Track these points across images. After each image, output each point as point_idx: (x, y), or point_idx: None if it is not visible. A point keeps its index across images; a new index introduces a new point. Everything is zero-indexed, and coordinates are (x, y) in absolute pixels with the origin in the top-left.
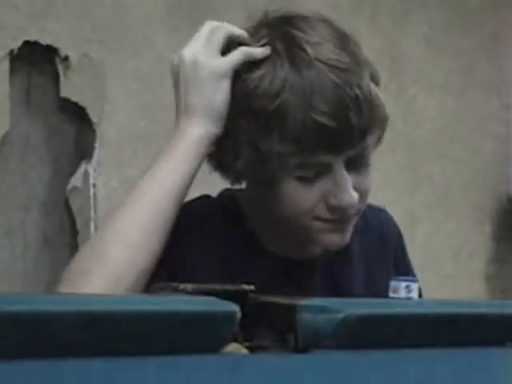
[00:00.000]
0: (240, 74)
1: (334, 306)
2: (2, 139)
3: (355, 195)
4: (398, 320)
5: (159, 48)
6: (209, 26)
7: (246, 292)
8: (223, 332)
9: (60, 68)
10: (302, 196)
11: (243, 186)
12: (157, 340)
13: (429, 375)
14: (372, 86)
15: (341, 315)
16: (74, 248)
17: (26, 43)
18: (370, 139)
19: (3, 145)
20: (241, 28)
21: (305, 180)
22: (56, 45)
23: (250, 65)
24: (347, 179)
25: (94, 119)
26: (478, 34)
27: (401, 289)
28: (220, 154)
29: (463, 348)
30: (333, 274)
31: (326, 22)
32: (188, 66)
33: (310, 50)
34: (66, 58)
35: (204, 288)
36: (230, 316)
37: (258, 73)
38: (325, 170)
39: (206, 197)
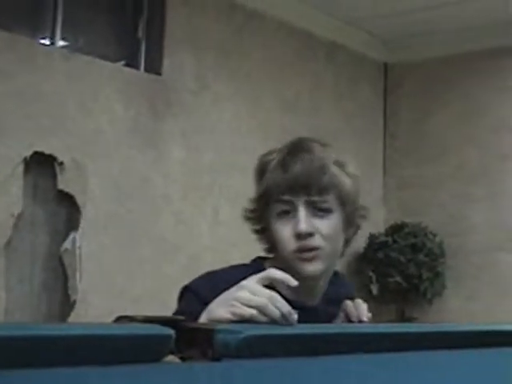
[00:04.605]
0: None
1: (238, 329)
2: (17, 217)
3: (305, 226)
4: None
5: (124, 156)
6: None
7: (179, 320)
8: (163, 348)
9: (57, 169)
10: (282, 229)
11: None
12: (115, 355)
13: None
14: (333, 166)
15: (242, 335)
16: (65, 289)
17: (35, 153)
18: (330, 197)
19: (18, 221)
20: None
21: (281, 215)
22: (55, 154)
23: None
24: (302, 214)
25: (80, 204)
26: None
27: None
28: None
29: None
30: (328, 315)
31: (325, 144)
32: None
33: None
34: (62, 163)
35: (150, 317)
36: (167, 336)
37: (270, 156)
38: (292, 209)
39: (243, 265)
